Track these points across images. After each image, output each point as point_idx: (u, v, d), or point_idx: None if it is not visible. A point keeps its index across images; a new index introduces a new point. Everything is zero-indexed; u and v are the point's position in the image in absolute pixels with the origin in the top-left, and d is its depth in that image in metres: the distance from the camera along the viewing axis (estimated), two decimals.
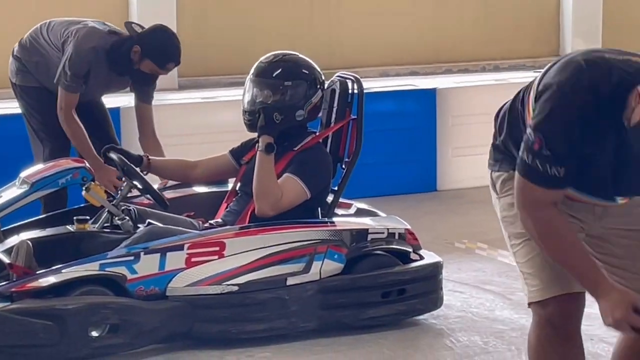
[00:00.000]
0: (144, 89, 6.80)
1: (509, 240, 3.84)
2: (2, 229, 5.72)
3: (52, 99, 6.75)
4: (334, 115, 6.08)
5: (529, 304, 3.78)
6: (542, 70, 3.75)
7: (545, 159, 3.35)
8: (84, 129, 6.58)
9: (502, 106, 4.00)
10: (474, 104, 8.48)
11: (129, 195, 5.91)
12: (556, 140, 3.36)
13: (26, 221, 6.02)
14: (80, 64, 6.42)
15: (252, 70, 5.90)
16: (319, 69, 5.98)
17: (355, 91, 6.04)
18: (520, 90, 3.86)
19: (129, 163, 5.80)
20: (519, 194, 3.50)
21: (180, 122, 7.79)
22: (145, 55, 6.46)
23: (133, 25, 6.86)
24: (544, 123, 3.40)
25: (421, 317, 5.84)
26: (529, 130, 3.40)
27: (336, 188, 6.08)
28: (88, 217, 5.77)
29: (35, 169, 6.01)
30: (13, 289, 5.36)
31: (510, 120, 3.82)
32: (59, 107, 6.55)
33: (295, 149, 5.80)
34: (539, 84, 3.58)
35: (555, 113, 3.39)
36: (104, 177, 6.38)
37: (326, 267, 5.73)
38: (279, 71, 5.84)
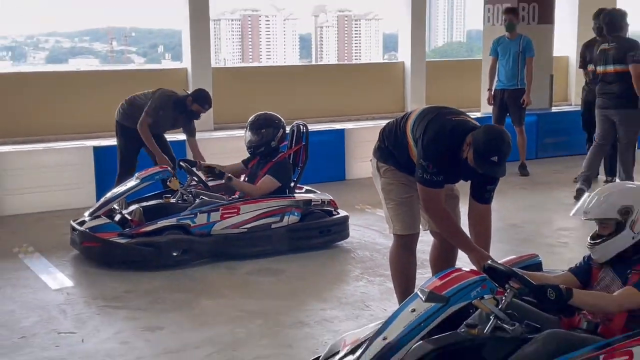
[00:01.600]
0: (190, 129, 6.71)
1: (385, 201, 4.00)
2: (127, 202, 5.82)
3: (137, 135, 6.60)
4: (293, 143, 6.18)
5: (394, 234, 4.00)
6: (412, 116, 3.86)
7: (434, 174, 3.59)
8: (153, 144, 6.51)
9: (385, 126, 4.07)
10: (363, 136, 8.44)
11: (191, 184, 5.99)
12: (437, 165, 3.56)
13: (139, 197, 6.02)
14: (157, 108, 6.37)
15: (247, 124, 5.95)
16: (281, 118, 6.01)
17: (304, 131, 6.12)
18: (395, 121, 4.00)
19: (190, 167, 5.96)
20: (425, 196, 3.69)
21: (216, 147, 7.73)
22: (195, 102, 6.46)
23: (186, 90, 6.94)
24: (430, 157, 3.59)
25: (339, 243, 5.94)
26: (421, 160, 3.59)
27: (295, 179, 6.08)
28: (170, 195, 5.94)
29: (143, 171, 6.03)
30: (133, 232, 5.36)
31: (395, 138, 3.89)
32: (140, 122, 6.42)
33: (273, 160, 5.86)
34: (415, 128, 3.74)
35: (434, 153, 3.60)
36: (162, 161, 6.33)
37: (291, 219, 5.75)
38: (258, 124, 5.86)
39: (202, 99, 6.57)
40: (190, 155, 6.77)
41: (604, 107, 7.53)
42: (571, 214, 3.21)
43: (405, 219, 3.95)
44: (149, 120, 6.47)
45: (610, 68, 7.39)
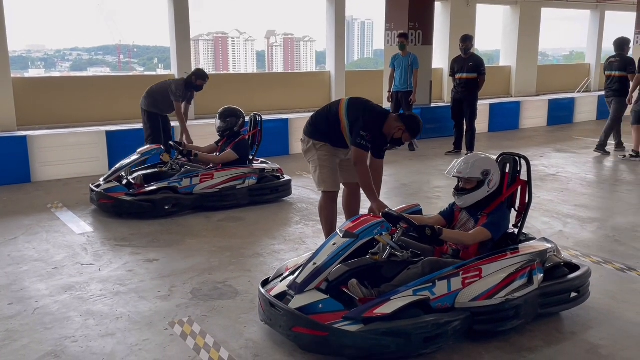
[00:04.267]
0: (190, 99, 6.73)
1: (319, 167, 4.00)
2: (131, 170, 5.59)
3: (155, 117, 6.61)
4: (251, 128, 6.01)
5: (322, 191, 4.00)
6: (342, 105, 3.87)
7: (367, 142, 3.67)
8: (183, 117, 6.63)
9: (314, 116, 4.06)
10: (301, 123, 8.36)
11: (178, 157, 5.72)
12: (371, 136, 3.67)
13: (140, 167, 5.76)
14: (179, 91, 6.45)
15: (217, 114, 5.77)
16: (241, 110, 5.83)
17: (259, 119, 5.97)
18: (325, 111, 3.99)
19: (179, 147, 5.67)
20: (358, 156, 3.71)
21: (197, 131, 7.28)
22: (198, 78, 6.48)
23: (187, 72, 6.89)
24: (369, 130, 3.69)
25: (284, 198, 5.86)
26: (361, 132, 3.68)
27: (253, 154, 5.91)
28: (162, 165, 5.72)
29: (143, 147, 5.75)
30: (136, 192, 5.17)
31: (328, 122, 3.91)
32: (176, 107, 6.51)
33: (236, 140, 5.70)
34: (349, 113, 3.81)
35: (372, 128, 3.71)
36: (187, 134, 6.53)
37: (250, 182, 5.56)
38: (225, 114, 5.70)
39: (202, 76, 6.58)
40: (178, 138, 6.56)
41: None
42: (445, 173, 3.32)
43: (333, 180, 4.00)
44: (180, 104, 6.52)
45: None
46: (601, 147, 8.43)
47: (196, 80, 6.52)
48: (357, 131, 3.74)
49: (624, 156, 8.05)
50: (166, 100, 6.50)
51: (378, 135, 3.75)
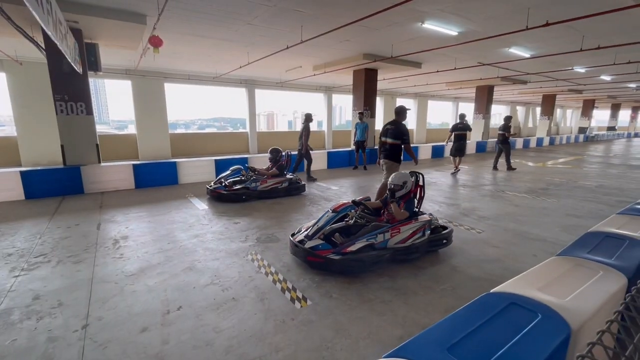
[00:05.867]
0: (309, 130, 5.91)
1: (388, 174, 3.80)
2: (228, 178, 5.29)
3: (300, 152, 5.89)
4: (285, 158, 5.66)
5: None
6: (382, 137, 3.65)
7: (409, 136, 3.50)
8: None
9: (384, 153, 3.69)
10: (312, 156, 8.02)
11: (250, 174, 5.43)
12: (408, 133, 3.53)
13: (232, 176, 5.43)
14: (303, 131, 5.75)
15: (269, 151, 5.44)
16: (281, 149, 5.46)
17: (289, 154, 5.66)
18: (382, 146, 3.73)
19: (253, 168, 5.41)
20: (409, 145, 3.63)
21: (258, 160, 6.75)
22: (308, 119, 5.86)
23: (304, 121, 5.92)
24: (406, 133, 3.51)
25: (302, 193, 5.58)
26: (405, 137, 3.46)
27: (286, 171, 5.51)
28: (243, 176, 5.39)
29: (232, 167, 5.46)
30: (228, 190, 4.83)
31: (393, 149, 3.69)
32: (304, 142, 5.84)
33: (277, 164, 5.40)
34: (390, 135, 3.62)
35: (405, 131, 3.52)
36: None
37: (285, 184, 5.20)
38: (272, 151, 5.38)
39: (310, 116, 5.91)
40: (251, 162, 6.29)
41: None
42: (389, 181, 3.14)
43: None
44: (302, 139, 5.81)
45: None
46: (509, 167, 7.87)
47: (309, 119, 5.91)
48: (402, 137, 3.68)
49: (452, 172, 7.64)
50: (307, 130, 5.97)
51: (406, 128, 3.71)
